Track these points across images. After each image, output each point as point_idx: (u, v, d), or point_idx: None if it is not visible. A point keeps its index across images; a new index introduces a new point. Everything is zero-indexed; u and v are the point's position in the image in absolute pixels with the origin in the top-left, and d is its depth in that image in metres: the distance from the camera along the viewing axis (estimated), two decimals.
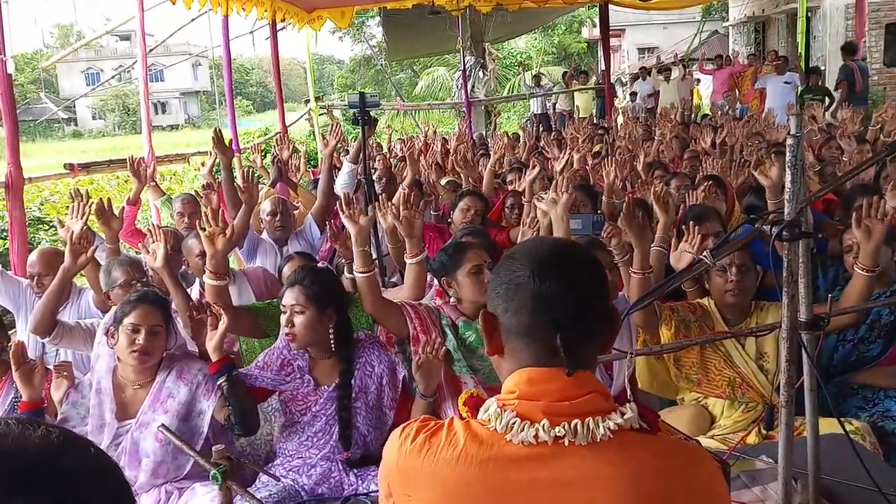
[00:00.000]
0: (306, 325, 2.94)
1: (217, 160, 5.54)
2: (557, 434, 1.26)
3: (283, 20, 10.86)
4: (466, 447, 1.30)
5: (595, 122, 13.47)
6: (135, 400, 3.03)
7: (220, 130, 4.98)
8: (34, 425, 0.84)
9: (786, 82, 11.85)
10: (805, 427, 2.06)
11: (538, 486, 1.26)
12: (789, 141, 1.77)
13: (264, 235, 4.96)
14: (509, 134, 10.31)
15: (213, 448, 2.32)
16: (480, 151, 8.80)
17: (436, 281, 3.49)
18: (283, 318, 2.98)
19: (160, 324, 3.01)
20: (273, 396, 3.17)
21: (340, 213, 3.38)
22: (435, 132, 9.06)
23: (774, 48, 18.94)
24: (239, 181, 4.62)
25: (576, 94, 16.65)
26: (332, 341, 3.01)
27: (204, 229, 3.24)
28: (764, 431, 3.01)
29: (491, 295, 1.41)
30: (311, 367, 3.06)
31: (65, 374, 3.08)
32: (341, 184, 5.47)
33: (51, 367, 3.13)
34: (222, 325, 2.91)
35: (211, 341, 2.91)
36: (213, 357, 2.91)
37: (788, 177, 1.78)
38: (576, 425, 1.26)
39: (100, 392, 3.03)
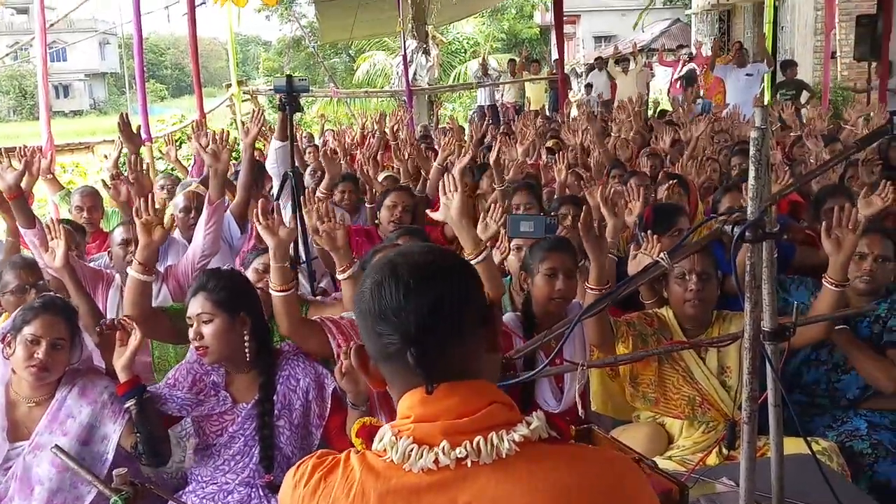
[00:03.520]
0: (217, 334, 2.87)
1: (123, 150, 5.46)
2: (459, 455, 1.26)
3: None
4: (362, 482, 1.29)
5: (548, 115, 13.60)
6: (29, 419, 2.93)
7: (126, 116, 4.87)
8: None
9: (748, 74, 12.06)
10: (769, 447, 2.09)
11: None
12: (753, 134, 1.79)
13: (176, 234, 4.87)
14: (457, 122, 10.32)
15: (115, 472, 2.27)
16: (423, 144, 8.80)
17: None
18: (191, 331, 2.91)
19: (63, 337, 2.91)
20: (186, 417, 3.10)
21: (256, 223, 3.27)
22: (377, 122, 9.00)
23: (740, 39, 19.41)
24: (127, 171, 4.58)
25: (527, 84, 16.78)
26: (247, 351, 2.95)
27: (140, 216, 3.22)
28: (725, 451, 3.06)
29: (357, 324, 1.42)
30: (228, 382, 3.00)
31: None
32: (271, 163, 5.35)
33: None
34: (133, 341, 2.83)
35: (120, 359, 2.82)
36: (122, 377, 2.82)
37: (752, 173, 1.80)
38: (478, 443, 1.26)
39: None
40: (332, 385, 3.05)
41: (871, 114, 7.92)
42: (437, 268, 1.36)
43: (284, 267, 3.13)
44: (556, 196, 5.27)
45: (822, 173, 3.41)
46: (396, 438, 1.29)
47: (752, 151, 1.80)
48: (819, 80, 14.04)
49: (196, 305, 2.90)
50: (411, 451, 1.27)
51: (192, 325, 2.91)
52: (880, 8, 11.31)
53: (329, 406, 3.05)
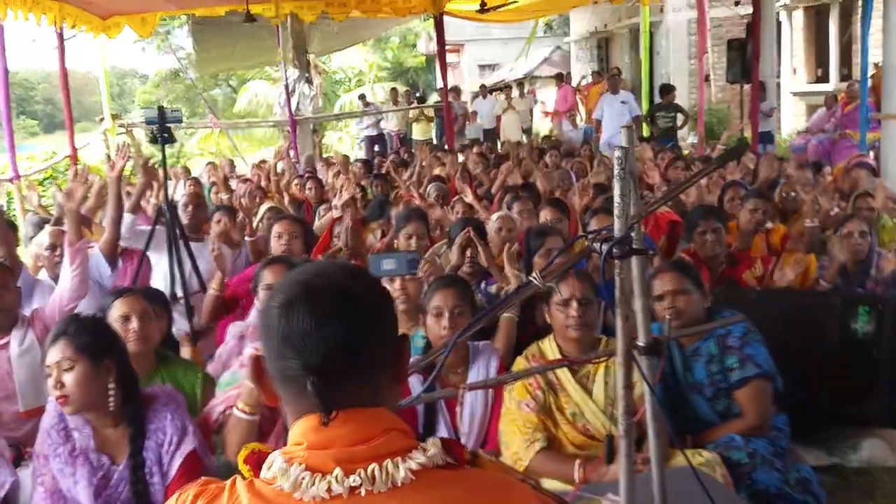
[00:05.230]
0: (79, 381, 2.69)
1: None
2: (353, 484, 1.22)
3: (72, 27, 10.45)
4: None
5: (435, 144, 13.73)
6: None
7: None
8: None
9: (622, 101, 12.49)
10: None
11: None
12: (617, 153, 1.84)
13: (42, 275, 4.68)
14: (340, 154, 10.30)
15: None
16: (307, 175, 8.76)
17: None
18: (50, 382, 2.72)
19: None
20: None
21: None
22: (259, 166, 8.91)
23: (618, 64, 20.14)
24: None
25: (413, 114, 16.93)
26: (111, 401, 2.75)
27: None
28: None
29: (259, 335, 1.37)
30: (99, 442, 2.78)
31: None
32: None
33: None
34: None
35: None
36: None
37: (617, 190, 1.84)
38: (373, 471, 1.23)
39: None
40: (193, 444, 2.83)
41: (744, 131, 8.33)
42: (352, 296, 1.31)
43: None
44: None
45: (683, 190, 3.53)
46: (288, 465, 1.25)
47: (616, 170, 1.84)
48: (694, 103, 14.66)
49: (56, 352, 2.72)
50: (303, 478, 1.23)
51: (50, 375, 2.72)
52: (749, 32, 11.87)
53: (181, 463, 2.79)
